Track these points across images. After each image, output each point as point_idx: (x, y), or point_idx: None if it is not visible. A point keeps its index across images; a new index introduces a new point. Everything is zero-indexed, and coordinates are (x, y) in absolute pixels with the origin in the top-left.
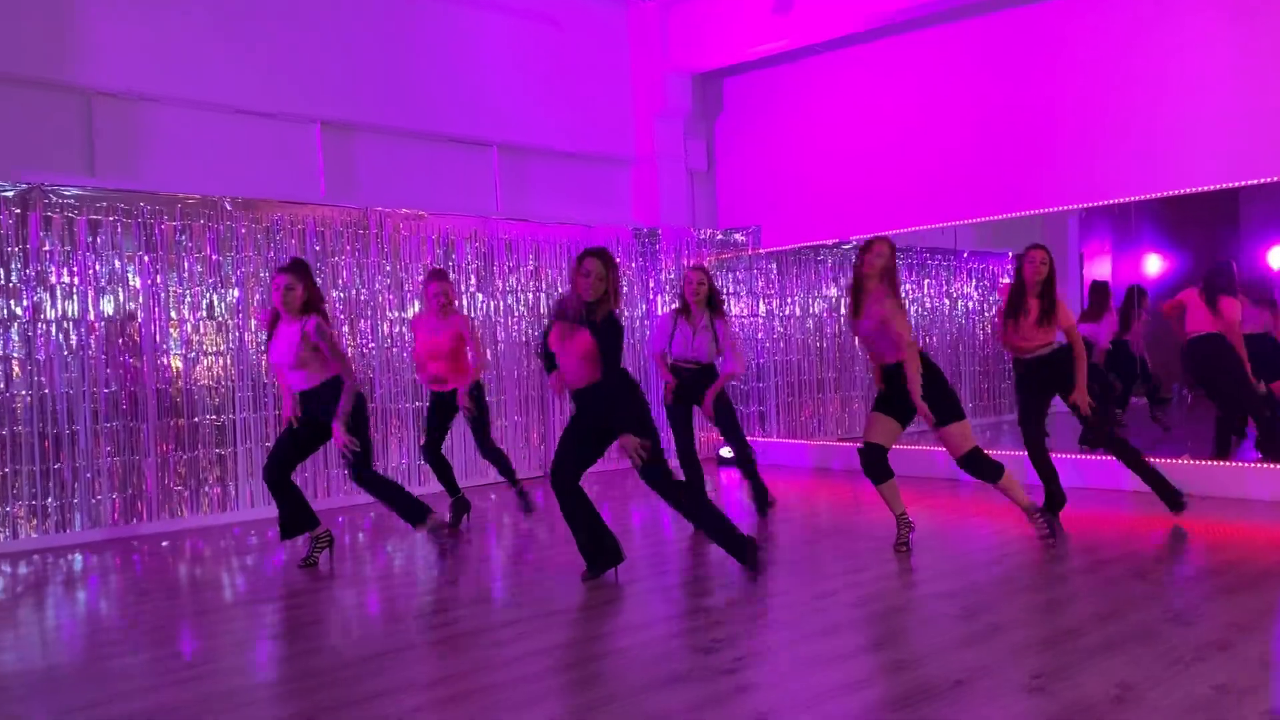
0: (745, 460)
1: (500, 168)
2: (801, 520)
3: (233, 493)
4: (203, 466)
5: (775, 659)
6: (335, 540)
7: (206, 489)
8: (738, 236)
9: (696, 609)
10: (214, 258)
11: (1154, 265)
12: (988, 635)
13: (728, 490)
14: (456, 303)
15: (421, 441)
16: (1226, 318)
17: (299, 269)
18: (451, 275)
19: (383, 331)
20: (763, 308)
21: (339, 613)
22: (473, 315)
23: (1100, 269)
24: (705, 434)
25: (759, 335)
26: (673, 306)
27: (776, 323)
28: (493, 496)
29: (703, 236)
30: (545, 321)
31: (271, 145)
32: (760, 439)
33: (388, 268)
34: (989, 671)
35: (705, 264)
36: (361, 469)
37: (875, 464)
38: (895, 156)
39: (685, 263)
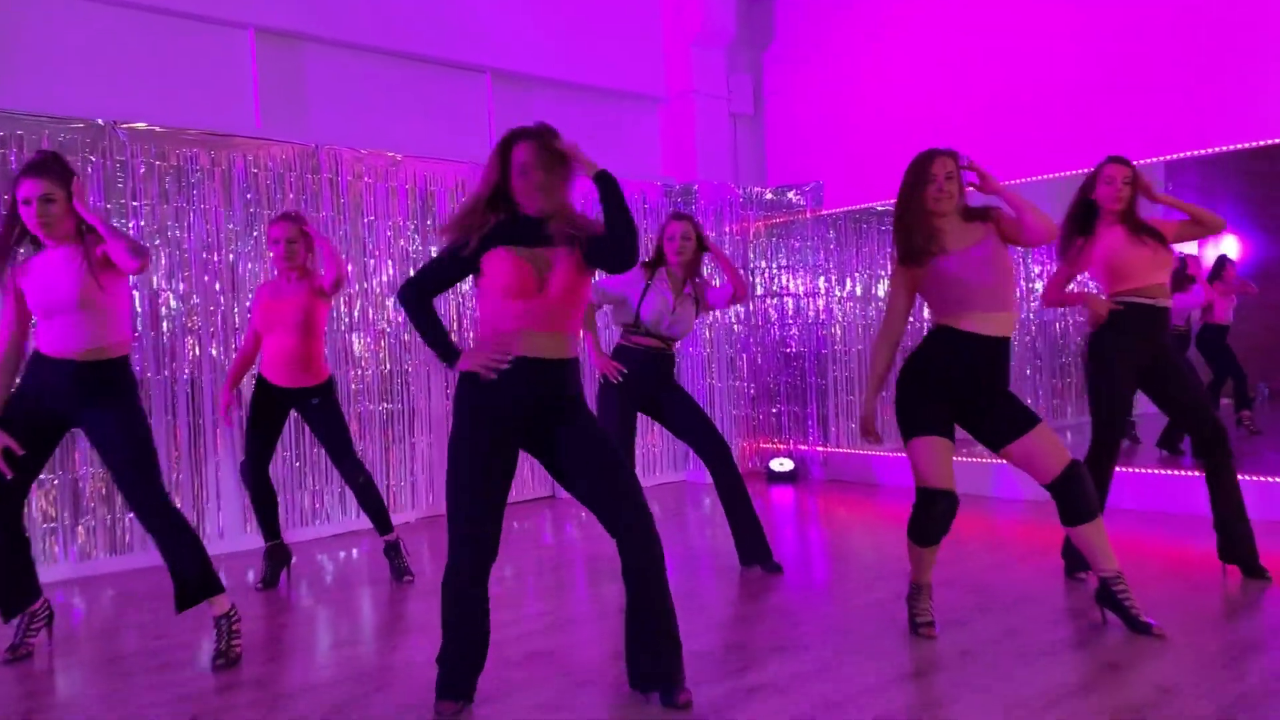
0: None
1: (495, 101)
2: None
3: (126, 527)
4: (88, 492)
5: None
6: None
7: (88, 522)
8: (792, 196)
9: None
10: (102, 205)
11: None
12: None
13: (778, 509)
14: (317, 261)
15: (241, 460)
16: None
17: (54, 169)
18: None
19: (339, 307)
20: (822, 284)
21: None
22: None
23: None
24: (648, 444)
25: (821, 319)
26: (642, 260)
27: (835, 304)
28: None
29: (748, 195)
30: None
31: (187, 56)
32: (820, 449)
33: (345, 225)
34: None
35: (762, 225)
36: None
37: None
38: (990, 95)
39: (729, 228)
